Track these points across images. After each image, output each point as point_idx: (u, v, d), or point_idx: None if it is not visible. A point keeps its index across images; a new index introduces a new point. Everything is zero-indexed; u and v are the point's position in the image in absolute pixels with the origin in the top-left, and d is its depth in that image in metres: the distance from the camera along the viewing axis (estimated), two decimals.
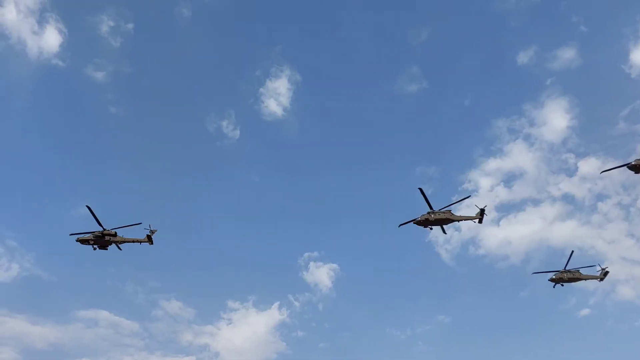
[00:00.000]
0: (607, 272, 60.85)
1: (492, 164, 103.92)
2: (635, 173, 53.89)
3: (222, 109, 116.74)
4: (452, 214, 56.53)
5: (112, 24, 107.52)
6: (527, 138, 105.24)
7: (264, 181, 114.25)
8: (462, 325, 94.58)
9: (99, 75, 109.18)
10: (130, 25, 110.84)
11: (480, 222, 57.53)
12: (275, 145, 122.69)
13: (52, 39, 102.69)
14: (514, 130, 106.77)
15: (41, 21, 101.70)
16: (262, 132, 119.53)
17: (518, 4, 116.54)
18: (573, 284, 61.76)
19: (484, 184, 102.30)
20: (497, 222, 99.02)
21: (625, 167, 53.88)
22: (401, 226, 56.96)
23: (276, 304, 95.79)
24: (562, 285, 60.74)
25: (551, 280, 60.22)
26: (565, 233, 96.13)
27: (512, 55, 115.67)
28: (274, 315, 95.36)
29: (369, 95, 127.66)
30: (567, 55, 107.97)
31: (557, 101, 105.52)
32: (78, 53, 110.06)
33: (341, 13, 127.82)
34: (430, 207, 55.44)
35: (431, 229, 56.91)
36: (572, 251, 59.87)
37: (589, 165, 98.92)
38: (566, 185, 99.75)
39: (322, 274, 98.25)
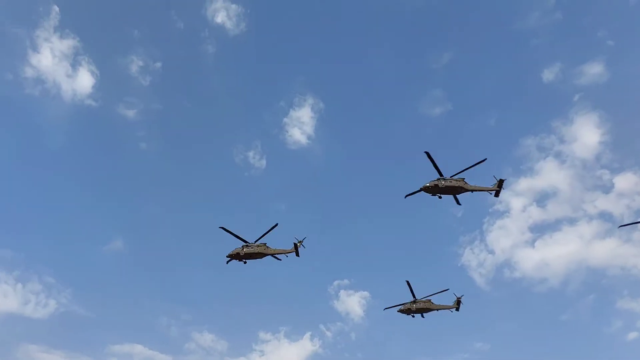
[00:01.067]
0: (459, 301, 60.57)
1: (523, 183, 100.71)
2: None
3: (248, 140, 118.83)
4: (466, 182, 50.59)
5: (141, 63, 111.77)
6: (558, 155, 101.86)
7: (291, 209, 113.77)
8: (502, 352, 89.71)
9: (130, 113, 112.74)
10: (159, 64, 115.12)
11: (497, 195, 51.41)
12: (301, 173, 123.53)
13: (85, 80, 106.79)
14: (544, 148, 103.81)
15: (74, 64, 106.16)
16: (288, 161, 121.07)
17: (540, 22, 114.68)
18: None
19: (516, 205, 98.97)
20: (531, 243, 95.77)
21: None
22: (408, 197, 51.56)
23: (308, 334, 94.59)
24: (413, 316, 60.96)
25: (400, 311, 60.71)
26: (605, 252, 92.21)
27: (536, 73, 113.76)
28: (306, 345, 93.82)
29: (393, 120, 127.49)
30: (594, 70, 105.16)
31: (587, 116, 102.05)
32: (110, 93, 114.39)
33: (361, 40, 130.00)
34: (440, 174, 49.73)
35: (440, 197, 50.91)
36: (407, 281, 58.73)
37: (625, 181, 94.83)
38: (602, 203, 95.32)
39: (353, 302, 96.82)
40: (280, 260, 55.14)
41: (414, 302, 60.05)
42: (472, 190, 50.77)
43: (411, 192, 50.93)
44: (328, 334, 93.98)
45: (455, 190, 50.64)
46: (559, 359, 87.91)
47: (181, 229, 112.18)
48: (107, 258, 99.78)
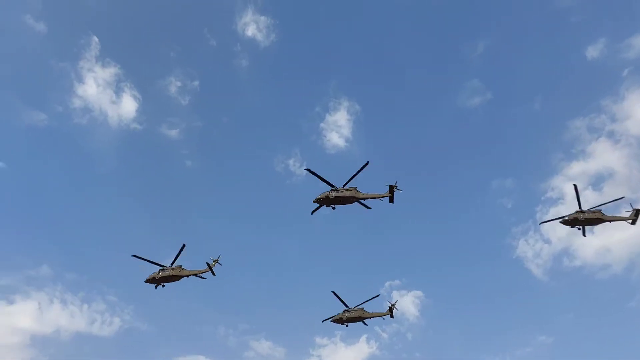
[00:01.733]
0: (392, 308, 60.63)
1: (576, 167, 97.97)
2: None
3: (287, 148, 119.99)
4: (603, 214, 53.26)
5: (179, 84, 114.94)
6: (611, 135, 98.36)
7: (335, 213, 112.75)
8: (566, 344, 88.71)
9: (173, 133, 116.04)
10: (196, 83, 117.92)
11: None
12: (341, 175, 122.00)
13: (128, 105, 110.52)
14: (595, 129, 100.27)
15: (118, 91, 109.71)
16: (327, 165, 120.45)
17: None
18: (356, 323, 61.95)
19: (570, 190, 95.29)
20: (590, 229, 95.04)
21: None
22: (542, 224, 54.56)
23: (364, 337, 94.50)
24: (347, 325, 61.67)
25: (333, 321, 61.51)
26: None
27: (580, 51, 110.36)
28: (362, 348, 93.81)
29: (432, 115, 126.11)
30: None
31: (639, 92, 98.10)
32: (152, 115, 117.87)
33: (390, 37, 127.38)
34: (580, 207, 52.46)
35: (579, 228, 53.86)
36: (333, 292, 59.40)
37: None
38: None
39: (407, 303, 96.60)
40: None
41: (347, 311, 61.09)
42: (609, 221, 53.49)
43: (547, 219, 53.97)
44: (384, 335, 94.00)
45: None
46: (628, 348, 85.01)
47: (230, 240, 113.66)
48: None
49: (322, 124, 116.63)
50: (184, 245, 54.19)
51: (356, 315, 60.81)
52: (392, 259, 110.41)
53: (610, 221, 53.07)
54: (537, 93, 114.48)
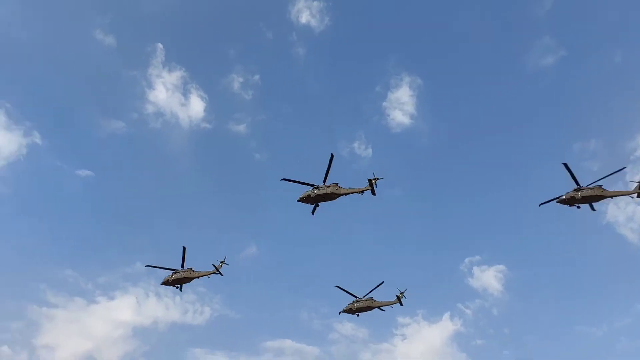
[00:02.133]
0: (400, 296, 60.26)
1: None
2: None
3: (351, 132, 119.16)
4: (604, 189, 50.45)
5: (241, 80, 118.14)
6: None
7: (407, 193, 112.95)
8: None
9: (241, 128, 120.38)
10: (257, 77, 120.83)
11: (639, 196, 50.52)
12: (409, 154, 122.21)
13: (197, 106, 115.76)
14: None
15: (185, 93, 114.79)
16: (394, 145, 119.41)
17: None
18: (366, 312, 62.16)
19: None
20: None
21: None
22: (542, 205, 52.52)
23: (447, 315, 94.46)
24: (358, 315, 62.42)
25: (344, 311, 62.40)
26: None
27: None
28: (446, 326, 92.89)
29: (501, 80, 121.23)
30: None
31: None
32: (220, 113, 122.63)
33: (449, 2, 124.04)
34: (577, 184, 50.09)
35: (579, 207, 51.38)
36: (337, 285, 60.21)
37: None
38: None
39: (489, 278, 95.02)
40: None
41: (356, 301, 61.59)
42: (611, 196, 50.36)
43: (545, 200, 51.77)
44: (468, 312, 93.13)
45: (592, 199, 49.03)
46: None
47: (305, 227, 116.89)
48: (245, 264, 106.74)
49: (384, 103, 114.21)
50: (184, 248, 58.08)
51: (365, 305, 61.58)
52: (471, 234, 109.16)
53: (612, 197, 50.35)
54: (617, 44, 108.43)
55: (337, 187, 50.71)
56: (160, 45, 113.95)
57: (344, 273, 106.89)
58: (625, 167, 47.86)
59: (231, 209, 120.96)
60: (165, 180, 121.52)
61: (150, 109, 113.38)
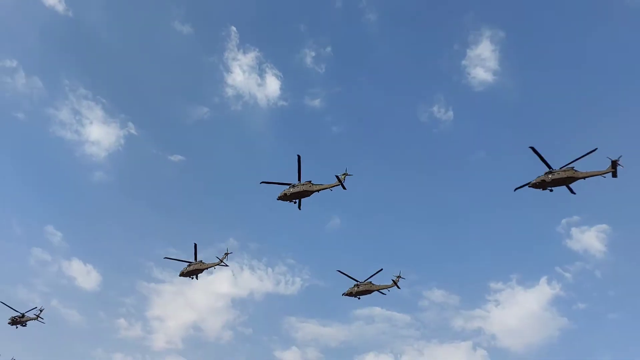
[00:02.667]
0: (398, 279, 63.13)
1: None
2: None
3: (429, 95, 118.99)
4: (576, 171, 50.22)
5: (313, 54, 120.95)
6: None
7: (493, 155, 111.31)
8: None
9: (316, 103, 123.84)
10: (328, 49, 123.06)
11: (614, 175, 49.73)
12: (494, 113, 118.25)
13: (273, 85, 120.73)
14: None
15: (261, 73, 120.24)
16: (477, 104, 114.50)
17: None
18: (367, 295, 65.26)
19: None
20: None
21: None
22: (517, 190, 53.07)
23: (544, 279, 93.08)
24: (359, 298, 65.51)
25: (345, 294, 65.40)
26: None
27: None
28: (544, 290, 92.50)
29: (597, 20, 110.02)
30: None
31: None
32: (295, 89, 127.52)
33: None
34: (549, 167, 50.32)
35: (551, 190, 51.54)
36: (339, 270, 63.41)
37: None
38: None
39: (589, 239, 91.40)
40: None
41: (357, 285, 64.80)
42: (583, 178, 50.03)
43: (519, 185, 52.21)
44: (567, 275, 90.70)
45: (565, 182, 49.67)
46: None
47: (388, 195, 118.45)
48: (329, 235, 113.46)
49: (463, 62, 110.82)
50: (195, 245, 64.77)
51: (365, 289, 65.48)
52: (566, 194, 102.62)
53: (584, 177, 50.36)
54: None
55: (311, 185, 54.25)
56: (233, 29, 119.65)
57: (430, 238, 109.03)
58: (596, 149, 47.37)
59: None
60: (249, 159, 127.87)
61: (229, 92, 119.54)
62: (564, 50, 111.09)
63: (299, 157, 52.25)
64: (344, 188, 53.50)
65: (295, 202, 55.70)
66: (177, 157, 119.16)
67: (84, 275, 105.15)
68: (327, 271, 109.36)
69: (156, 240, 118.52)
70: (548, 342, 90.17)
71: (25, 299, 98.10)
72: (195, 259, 65.38)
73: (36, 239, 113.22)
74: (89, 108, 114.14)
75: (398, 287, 65.20)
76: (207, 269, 65.61)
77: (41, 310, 72.20)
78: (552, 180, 50.38)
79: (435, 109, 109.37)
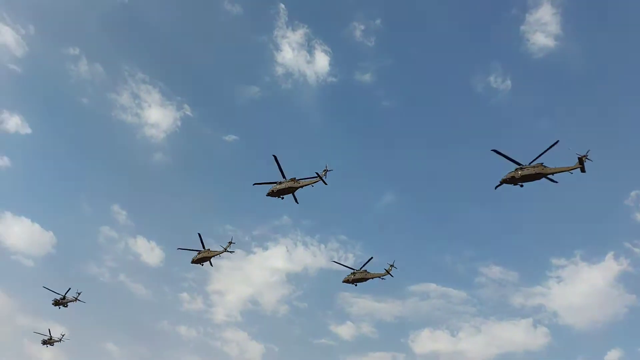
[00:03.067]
0: (392, 267, 66.90)
1: None
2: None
3: (485, 64, 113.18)
4: (545, 166, 51.63)
5: (362, 27, 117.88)
6: None
7: (557, 125, 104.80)
8: None
9: (366, 77, 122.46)
10: (378, 21, 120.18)
11: (582, 170, 50.81)
12: (556, 81, 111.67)
13: (322, 61, 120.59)
14: None
15: (310, 50, 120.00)
16: (538, 72, 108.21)
17: None
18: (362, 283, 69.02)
19: None
20: None
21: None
22: (497, 188, 54.87)
23: (610, 254, 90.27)
24: (356, 285, 69.36)
25: (344, 281, 69.25)
26: None
27: None
28: (610, 266, 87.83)
29: None
30: None
31: None
32: (344, 64, 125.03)
33: None
34: (517, 163, 52.06)
35: (521, 185, 53.24)
36: (371, 257, 66.96)
37: None
38: None
39: None
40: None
41: (353, 273, 68.93)
42: (552, 173, 51.39)
43: (498, 184, 53.99)
44: (637, 250, 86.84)
45: (534, 177, 51.33)
46: None
47: (444, 172, 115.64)
48: (383, 211, 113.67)
49: (522, 27, 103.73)
50: (200, 234, 69.65)
51: (361, 277, 69.65)
52: (636, 164, 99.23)
53: (553, 173, 51.90)
54: None
55: (294, 182, 58.11)
56: (282, 6, 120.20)
57: (485, 213, 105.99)
58: (558, 141, 48.77)
59: (366, 159, 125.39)
60: (301, 137, 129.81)
61: (279, 70, 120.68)
62: (633, 10, 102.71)
63: (275, 157, 55.86)
64: (325, 183, 57.32)
65: (282, 198, 59.92)
66: (230, 137, 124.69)
67: (149, 251, 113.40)
68: (380, 247, 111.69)
69: (214, 217, 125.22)
70: (614, 320, 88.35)
71: (96, 274, 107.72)
72: (203, 247, 71.36)
73: (104, 217, 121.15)
74: (147, 92, 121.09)
75: (392, 276, 68.94)
76: (214, 256, 71.32)
77: (79, 293, 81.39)
78: (522, 176, 51.99)
79: (491, 79, 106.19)
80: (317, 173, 56.79)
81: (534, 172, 51.96)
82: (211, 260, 72.76)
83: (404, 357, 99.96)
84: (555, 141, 48.91)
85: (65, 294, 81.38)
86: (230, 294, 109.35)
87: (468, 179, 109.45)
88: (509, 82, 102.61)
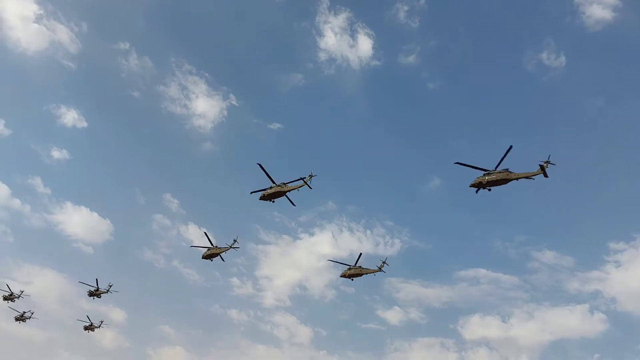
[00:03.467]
0: (384, 263, 70.04)
1: None
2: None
3: (537, 41, 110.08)
4: (510, 172, 53.84)
5: (406, 8, 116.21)
6: None
7: (613, 103, 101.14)
8: None
9: (410, 59, 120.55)
10: (422, 1, 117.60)
11: (545, 176, 52.62)
12: (614, 55, 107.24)
13: (365, 45, 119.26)
14: None
15: (353, 34, 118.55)
16: (594, 47, 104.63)
17: None
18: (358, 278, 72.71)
19: None
20: None
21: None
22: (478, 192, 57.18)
23: None
24: (352, 279, 73.16)
25: (341, 276, 73.18)
26: None
27: None
28: None
29: None
30: None
31: None
32: (388, 47, 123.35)
33: None
34: (483, 170, 54.54)
35: (489, 189, 55.69)
36: (360, 254, 70.88)
37: None
38: None
39: None
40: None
41: (349, 269, 72.60)
42: (517, 179, 53.44)
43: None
44: None
45: (500, 182, 53.78)
46: None
47: (493, 155, 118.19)
48: (428, 196, 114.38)
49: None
50: (206, 233, 75.82)
51: (355, 272, 74.02)
52: None
53: (517, 179, 54.28)
54: None
55: (283, 186, 62.59)
56: None
57: (539, 198, 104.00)
58: (512, 146, 51.02)
59: (411, 142, 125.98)
60: (346, 123, 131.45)
61: (322, 56, 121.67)
62: None
63: (260, 164, 60.23)
64: (310, 187, 61.65)
65: (273, 202, 64.86)
66: (275, 125, 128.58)
67: (200, 238, 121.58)
68: (427, 233, 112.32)
69: (261, 205, 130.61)
70: None
71: (151, 259, 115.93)
72: (211, 244, 77.72)
73: (157, 206, 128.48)
74: (194, 83, 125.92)
75: (384, 272, 73.24)
76: (221, 253, 77.56)
77: (110, 285, 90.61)
78: (488, 181, 54.79)
79: (544, 55, 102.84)
80: (302, 178, 61.12)
81: (499, 178, 54.49)
82: (221, 255, 79.23)
83: (453, 343, 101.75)
84: (509, 147, 51.23)
85: (98, 286, 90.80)
86: (279, 278, 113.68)
87: (519, 160, 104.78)
88: (563, 59, 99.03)
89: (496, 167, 53.89)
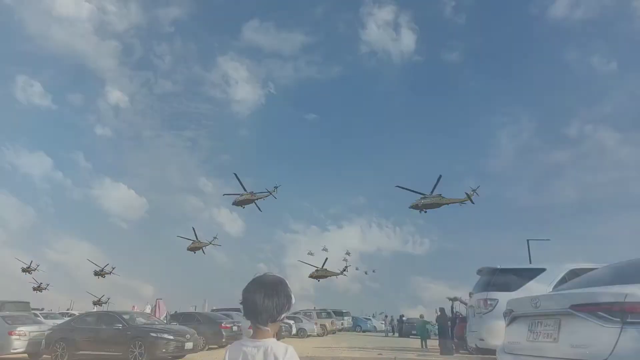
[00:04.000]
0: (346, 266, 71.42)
1: None
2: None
3: (584, 41, 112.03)
4: (442, 197, 60.90)
5: (453, 3, 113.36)
6: None
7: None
8: None
9: (454, 56, 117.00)
10: None
11: (472, 202, 59.22)
12: None
13: (407, 39, 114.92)
14: None
15: (396, 27, 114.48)
16: None
17: None
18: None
19: None
20: None
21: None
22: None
23: None
24: (319, 280, 73.76)
25: (309, 276, 74.19)
26: None
27: None
28: None
29: None
30: None
31: None
32: (431, 43, 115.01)
33: None
34: (420, 194, 61.97)
35: (425, 212, 62.79)
36: (327, 258, 71.59)
37: None
38: None
39: None
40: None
41: (317, 270, 74.73)
42: (447, 203, 60.43)
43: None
44: None
45: (434, 206, 60.94)
46: None
47: (535, 156, 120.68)
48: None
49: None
50: (193, 228, 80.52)
51: (321, 274, 78.36)
52: None
53: (448, 203, 61.39)
54: None
55: (252, 195, 70.39)
56: None
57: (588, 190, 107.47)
58: (441, 175, 58.65)
59: (447, 144, 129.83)
60: (382, 120, 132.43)
61: (363, 49, 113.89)
62: None
63: (235, 174, 69.03)
64: (275, 197, 70.15)
65: (244, 207, 73.75)
66: (311, 116, 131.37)
67: (231, 222, 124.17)
68: (457, 235, 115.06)
69: (293, 195, 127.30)
70: None
71: (183, 240, 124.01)
72: (196, 238, 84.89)
73: (192, 188, 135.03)
74: (234, 69, 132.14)
75: (345, 275, 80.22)
76: (202, 247, 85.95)
77: (113, 268, 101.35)
78: (423, 204, 62.16)
79: (594, 59, 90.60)
80: (267, 189, 70.21)
81: (432, 202, 61.79)
82: (203, 249, 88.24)
83: None
84: (439, 176, 58.68)
85: (104, 267, 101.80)
86: (304, 268, 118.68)
87: (567, 156, 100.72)
88: (614, 64, 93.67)
89: (431, 192, 61.11)
